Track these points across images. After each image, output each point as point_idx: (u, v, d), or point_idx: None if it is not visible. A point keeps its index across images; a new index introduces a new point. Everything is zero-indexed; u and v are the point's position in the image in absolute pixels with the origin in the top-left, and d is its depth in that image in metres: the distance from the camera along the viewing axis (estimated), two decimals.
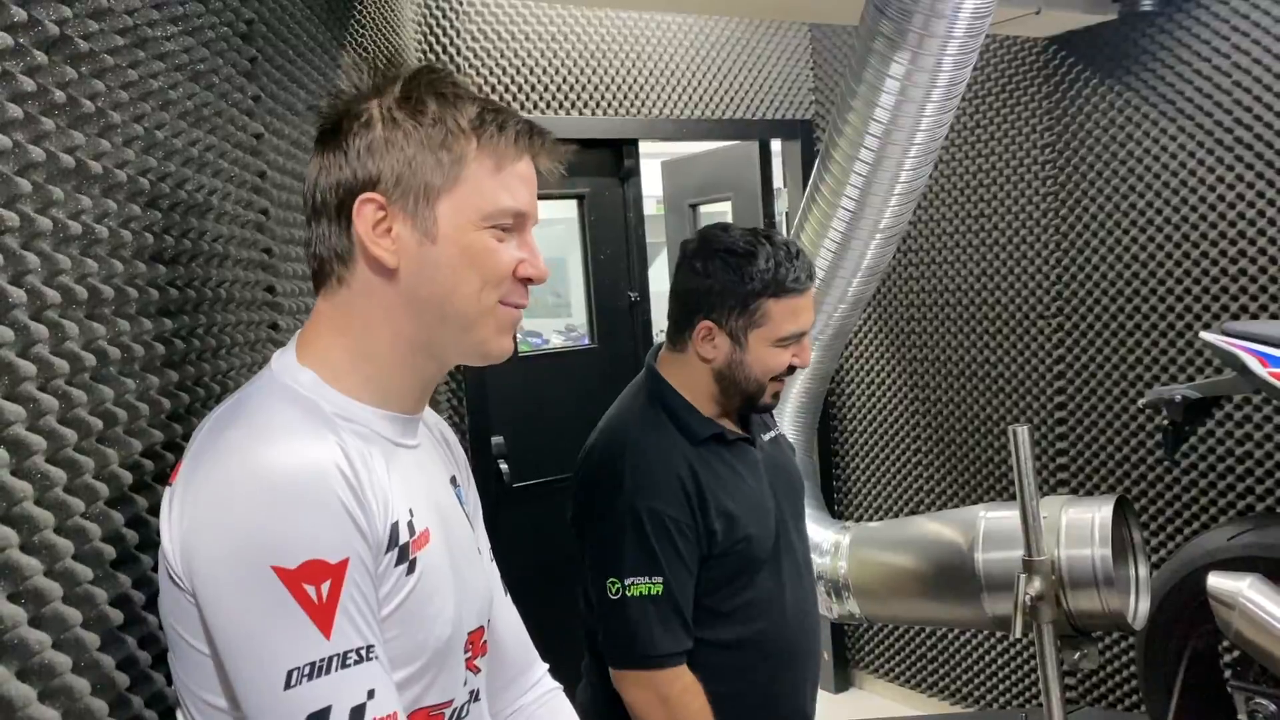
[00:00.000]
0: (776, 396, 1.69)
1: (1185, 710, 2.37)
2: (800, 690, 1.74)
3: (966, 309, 3.48)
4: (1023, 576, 2.21)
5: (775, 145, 4.11)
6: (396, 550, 0.94)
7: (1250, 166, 2.76)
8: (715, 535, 1.59)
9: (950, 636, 3.62)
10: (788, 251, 1.62)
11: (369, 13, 2.43)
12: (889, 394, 3.78)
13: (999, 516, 2.37)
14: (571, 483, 1.71)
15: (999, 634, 3.32)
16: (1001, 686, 3.50)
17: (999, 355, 3.40)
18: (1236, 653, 2.30)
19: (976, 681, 3.57)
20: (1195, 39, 2.84)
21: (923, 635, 3.73)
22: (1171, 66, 2.89)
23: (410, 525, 0.96)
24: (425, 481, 1.04)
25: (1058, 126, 3.18)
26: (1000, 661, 3.49)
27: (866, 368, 3.86)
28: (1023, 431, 2.22)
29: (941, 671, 3.69)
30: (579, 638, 1.75)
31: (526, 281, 1.00)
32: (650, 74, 3.61)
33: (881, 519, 3.81)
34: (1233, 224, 2.80)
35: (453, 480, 1.13)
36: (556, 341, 4.11)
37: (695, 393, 1.65)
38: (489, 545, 1.21)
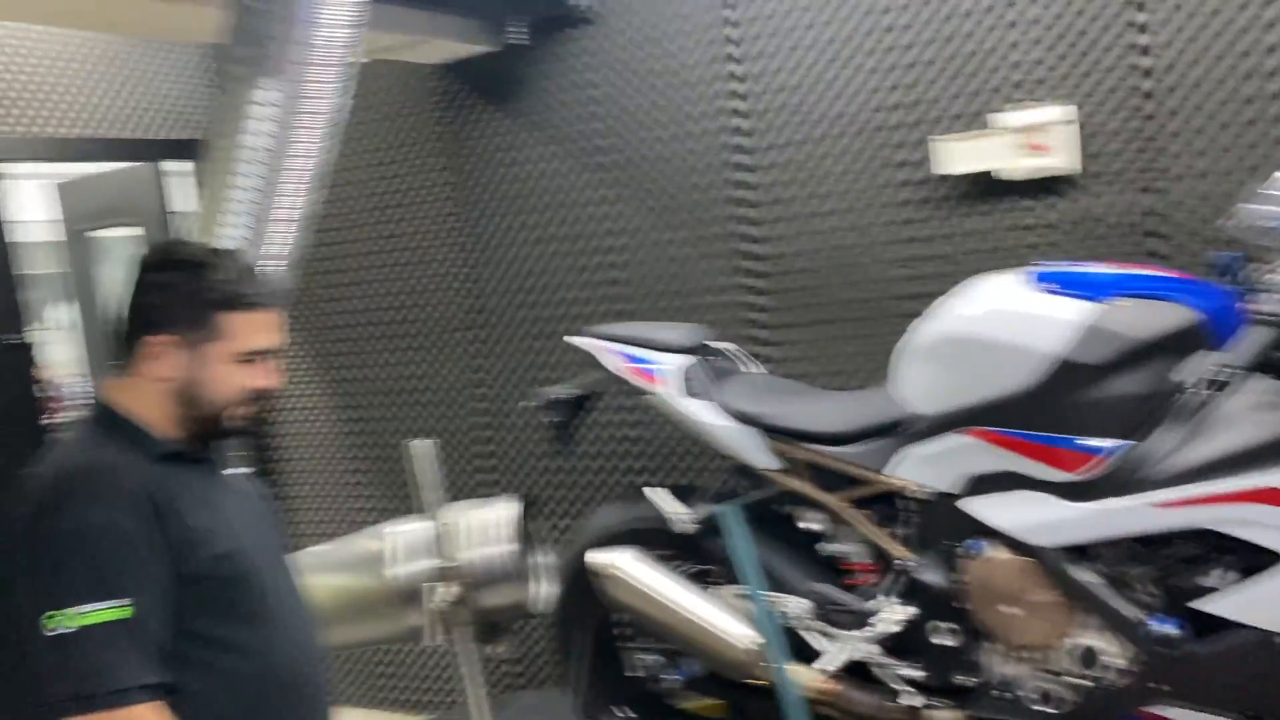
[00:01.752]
0: (251, 421, 1.60)
1: (593, 676, 2.64)
2: None
3: (388, 326, 3.56)
4: (431, 585, 2.31)
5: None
6: None
7: (613, 185, 3.14)
8: (186, 549, 1.44)
9: (406, 650, 3.69)
10: (249, 268, 1.59)
11: None
12: (324, 417, 3.74)
13: (410, 529, 2.44)
14: None
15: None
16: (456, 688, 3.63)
17: (423, 369, 3.52)
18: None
19: (435, 689, 3.67)
20: (569, 69, 3.16)
21: (379, 652, 3.75)
22: (550, 93, 3.20)
23: None
24: None
25: (458, 147, 3.36)
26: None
27: (299, 393, 3.78)
28: (420, 445, 2.32)
29: (399, 685, 3.74)
30: None
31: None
32: (23, 88, 3.20)
33: None
34: (602, 237, 3.17)
35: None
36: None
37: (152, 416, 1.52)
38: None
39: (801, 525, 2.39)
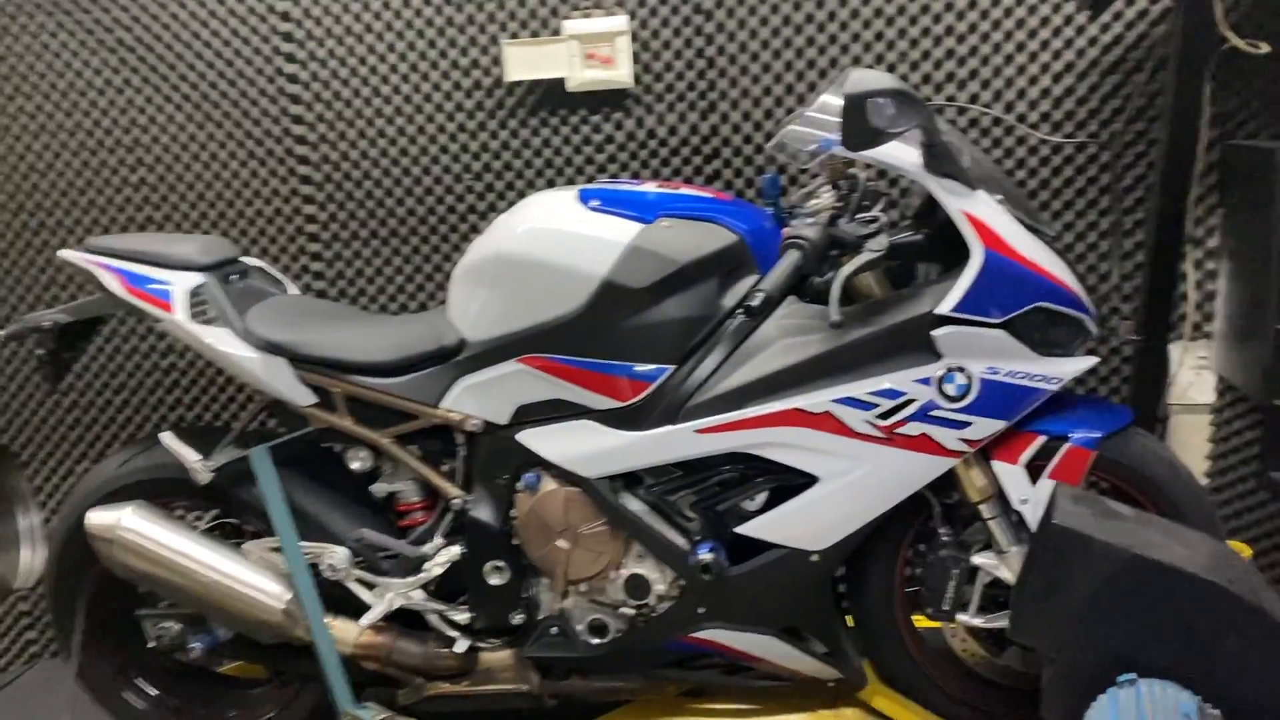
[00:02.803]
0: None
1: (104, 651, 2.24)
2: None
3: None
4: None
5: None
6: None
7: (135, 70, 2.63)
8: None
9: None
10: None
11: None
12: None
13: None
14: None
15: None
16: None
17: None
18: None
19: None
20: None
21: None
22: None
23: None
24: None
25: None
26: None
27: None
28: None
29: None
30: None
31: None
32: None
33: None
34: (122, 132, 2.67)
35: None
36: None
37: None
38: None
39: (352, 466, 2.14)
